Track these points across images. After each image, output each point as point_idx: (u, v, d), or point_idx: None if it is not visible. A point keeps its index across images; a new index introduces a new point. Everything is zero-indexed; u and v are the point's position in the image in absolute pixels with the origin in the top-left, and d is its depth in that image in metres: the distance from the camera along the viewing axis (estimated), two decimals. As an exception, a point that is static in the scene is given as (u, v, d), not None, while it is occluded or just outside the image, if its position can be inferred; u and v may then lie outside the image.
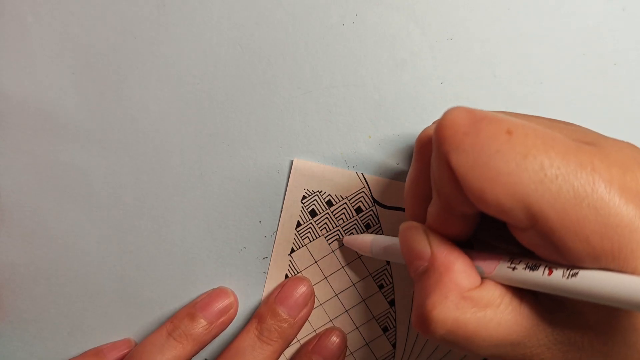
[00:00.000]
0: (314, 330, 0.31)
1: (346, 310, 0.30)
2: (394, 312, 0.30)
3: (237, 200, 0.30)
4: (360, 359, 0.30)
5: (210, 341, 0.30)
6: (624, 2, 0.27)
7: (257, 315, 0.29)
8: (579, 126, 0.21)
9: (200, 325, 0.29)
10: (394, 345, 0.30)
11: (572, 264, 0.17)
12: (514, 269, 0.19)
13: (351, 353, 0.30)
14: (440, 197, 0.19)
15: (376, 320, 0.30)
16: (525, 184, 0.17)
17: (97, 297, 0.31)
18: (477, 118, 0.18)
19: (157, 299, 0.31)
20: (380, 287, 0.30)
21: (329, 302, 0.30)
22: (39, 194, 0.30)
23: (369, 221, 0.29)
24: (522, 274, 0.19)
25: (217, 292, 0.30)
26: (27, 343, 0.32)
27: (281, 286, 0.30)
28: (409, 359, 0.30)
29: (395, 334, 0.30)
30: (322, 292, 0.30)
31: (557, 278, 0.18)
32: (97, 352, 0.31)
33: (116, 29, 0.29)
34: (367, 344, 0.30)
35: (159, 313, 0.31)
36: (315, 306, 0.30)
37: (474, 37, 0.27)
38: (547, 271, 0.18)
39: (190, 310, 0.29)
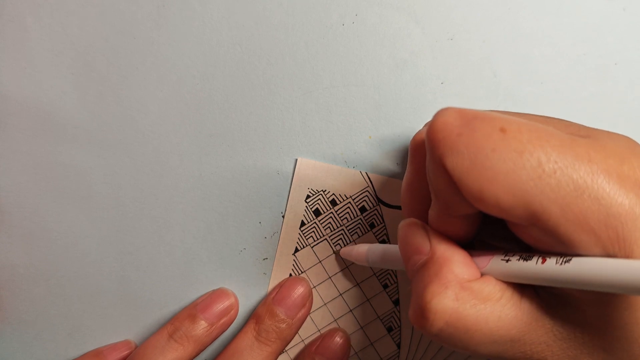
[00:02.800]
0: (318, 330, 0.30)
1: (350, 310, 0.30)
2: (399, 311, 0.30)
3: (237, 201, 0.30)
4: (365, 359, 0.30)
5: (211, 342, 0.30)
6: (624, 2, 0.27)
7: (255, 316, 0.29)
8: (572, 122, 0.21)
9: (201, 326, 0.29)
10: (398, 345, 0.30)
11: (579, 254, 0.17)
12: (507, 261, 0.19)
13: (355, 353, 0.30)
14: (439, 200, 0.19)
15: (381, 320, 0.30)
16: (524, 181, 0.17)
17: (97, 298, 0.31)
18: (469, 117, 0.18)
19: (156, 300, 0.31)
20: (385, 286, 0.30)
21: (333, 302, 0.30)
22: (38, 194, 0.30)
23: (374, 220, 0.29)
24: (516, 265, 0.19)
25: (218, 293, 0.30)
26: (26, 344, 0.32)
27: (279, 287, 0.30)
28: (413, 359, 0.30)
29: (400, 334, 0.30)
30: (326, 292, 0.30)
31: (551, 266, 0.17)
32: (97, 353, 0.31)
33: (116, 29, 0.29)
34: (371, 343, 0.30)
35: (158, 314, 0.31)
36: (319, 306, 0.30)
37: (474, 37, 0.27)
38: (540, 260, 0.18)
39: (191, 311, 0.29)
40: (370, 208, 0.29)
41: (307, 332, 0.31)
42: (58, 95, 0.29)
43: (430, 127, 0.18)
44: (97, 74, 0.29)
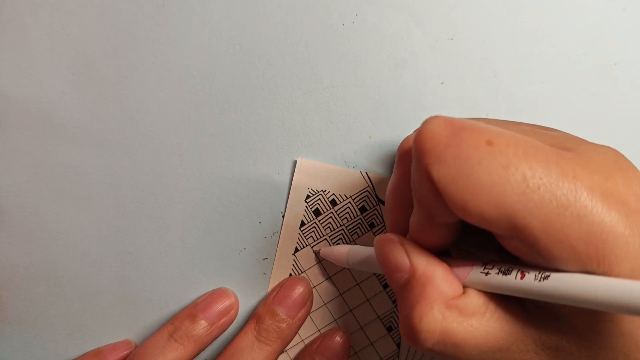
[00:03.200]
0: (318, 330, 0.30)
1: (350, 310, 0.30)
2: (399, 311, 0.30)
3: (236, 201, 0.30)
4: (365, 358, 0.30)
5: (211, 342, 0.30)
6: (624, 2, 0.27)
7: (255, 315, 0.29)
8: (560, 131, 0.21)
9: (201, 326, 0.29)
10: (398, 345, 0.30)
11: (558, 269, 0.17)
12: (487, 274, 0.19)
13: (355, 353, 0.30)
14: (422, 208, 0.19)
15: (380, 320, 0.30)
16: (507, 195, 0.17)
17: (97, 298, 0.31)
18: (457, 128, 0.18)
19: (156, 299, 0.31)
20: (385, 286, 0.30)
21: (333, 302, 0.30)
22: (38, 194, 0.30)
23: (373, 220, 0.29)
24: (495, 279, 0.19)
25: (218, 293, 0.30)
26: (26, 344, 0.32)
27: (279, 286, 0.30)
28: (413, 359, 0.30)
29: (400, 334, 0.30)
30: (326, 292, 0.30)
31: (530, 281, 0.18)
32: (97, 353, 0.31)
33: (116, 29, 0.29)
34: (371, 343, 0.30)
35: (158, 314, 0.31)
36: (319, 306, 0.30)
37: (474, 37, 0.27)
38: (519, 275, 0.18)
39: (191, 311, 0.29)
40: (370, 208, 0.29)
41: (307, 332, 0.31)
42: (58, 95, 0.29)
43: (418, 135, 0.18)
44: (97, 74, 0.29)
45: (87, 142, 0.30)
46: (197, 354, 0.29)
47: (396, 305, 0.30)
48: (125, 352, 0.31)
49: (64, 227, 0.31)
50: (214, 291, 0.30)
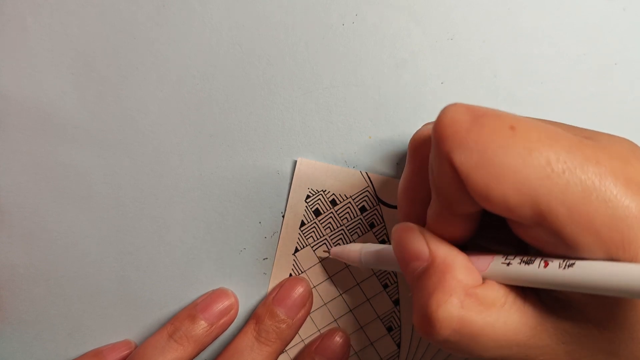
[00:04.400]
0: (318, 330, 0.30)
1: (350, 310, 0.30)
2: (399, 311, 0.30)
3: (236, 201, 0.30)
4: (365, 358, 0.30)
5: (211, 342, 0.30)
6: (624, 2, 0.27)
7: (255, 316, 0.29)
8: (574, 126, 0.21)
9: (201, 326, 0.29)
10: (398, 345, 0.30)
11: (582, 257, 0.17)
12: (508, 264, 0.19)
13: (355, 353, 0.30)
14: (441, 198, 0.19)
15: (381, 320, 0.30)
16: (532, 179, 0.16)
17: (97, 298, 0.31)
18: (478, 114, 0.17)
19: (156, 299, 0.31)
20: (385, 286, 0.30)
21: (333, 302, 0.30)
22: (38, 194, 0.30)
23: (374, 220, 0.29)
24: (517, 268, 0.18)
25: (218, 293, 0.30)
26: (26, 344, 0.32)
27: (279, 287, 0.30)
28: (413, 359, 0.30)
29: (400, 334, 0.30)
30: (326, 292, 0.30)
31: (554, 270, 0.17)
32: (96, 353, 0.31)
33: (116, 29, 0.29)
34: (371, 343, 0.30)
35: (158, 314, 0.31)
36: (319, 306, 0.30)
37: (474, 37, 0.27)
38: (542, 264, 0.18)
39: (191, 311, 0.29)
40: (370, 208, 0.29)
41: (307, 332, 0.31)
42: (58, 95, 0.29)
43: (438, 122, 0.18)
44: (97, 74, 0.29)
45: (87, 142, 0.30)
46: (197, 354, 0.29)
47: (397, 305, 0.30)
48: (125, 352, 0.31)
49: (64, 227, 0.31)
50: (213, 291, 0.30)
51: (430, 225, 0.21)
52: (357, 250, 0.27)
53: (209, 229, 0.30)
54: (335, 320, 0.30)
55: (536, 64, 0.27)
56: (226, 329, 0.30)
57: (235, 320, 0.30)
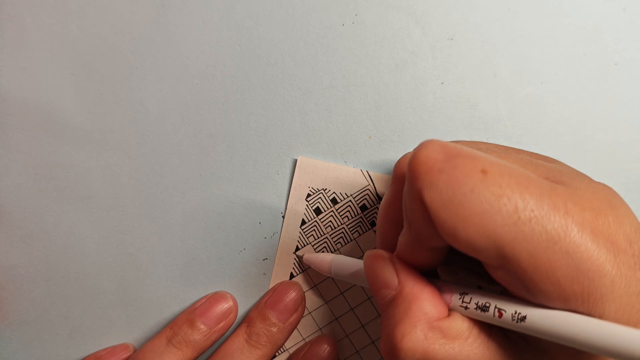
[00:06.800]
0: (320, 329, 0.30)
1: (352, 309, 0.30)
2: None
3: (236, 201, 0.30)
4: (366, 357, 0.30)
5: (210, 346, 0.29)
6: (624, 2, 0.27)
7: (247, 319, 0.30)
8: (559, 162, 0.21)
9: (200, 331, 0.29)
10: None
11: (542, 303, 0.17)
12: (465, 307, 0.19)
13: (357, 351, 0.30)
14: (411, 229, 0.19)
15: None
16: (498, 225, 0.17)
17: (97, 298, 0.31)
18: (452, 154, 0.18)
19: (156, 300, 0.31)
20: None
21: (334, 301, 0.30)
22: (38, 195, 0.30)
23: (374, 219, 0.29)
24: (474, 313, 0.19)
25: (216, 297, 0.30)
26: (26, 345, 0.32)
27: (272, 291, 0.30)
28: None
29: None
30: (327, 291, 0.30)
31: (507, 321, 0.18)
32: (95, 358, 0.31)
33: (115, 30, 0.29)
34: (372, 342, 0.30)
35: (158, 314, 0.31)
36: (320, 304, 0.30)
37: (474, 37, 0.27)
38: (497, 314, 0.18)
39: (190, 316, 0.29)
40: (371, 206, 0.29)
41: (309, 331, 0.31)
42: (58, 95, 0.29)
43: (412, 158, 0.18)
44: (97, 74, 0.29)
45: (87, 142, 0.30)
46: (196, 358, 0.29)
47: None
48: (124, 356, 0.31)
49: (63, 227, 0.31)
50: (212, 295, 0.30)
51: (400, 252, 0.21)
52: (328, 261, 0.27)
53: (209, 229, 0.30)
54: (336, 318, 0.30)
55: (536, 64, 0.27)
56: (225, 332, 0.30)
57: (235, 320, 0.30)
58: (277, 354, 0.31)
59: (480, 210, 0.17)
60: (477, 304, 0.19)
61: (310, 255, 0.29)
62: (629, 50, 0.27)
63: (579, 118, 0.28)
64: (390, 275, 0.21)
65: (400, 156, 0.29)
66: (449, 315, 0.20)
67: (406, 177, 0.19)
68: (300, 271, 0.30)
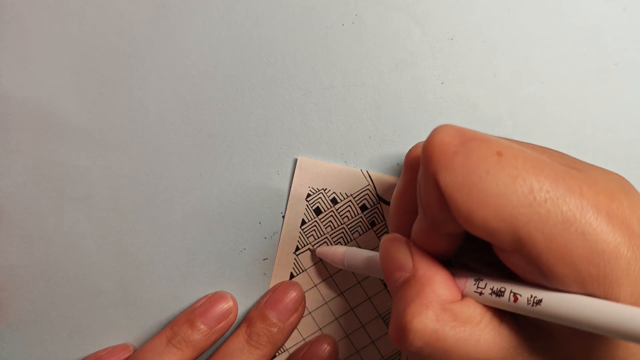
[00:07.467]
0: (320, 329, 0.30)
1: (352, 308, 0.30)
2: None
3: (236, 201, 0.30)
4: (367, 357, 0.30)
5: (210, 346, 0.29)
6: (624, 2, 0.27)
7: (247, 319, 0.30)
8: (567, 155, 0.21)
9: (200, 331, 0.29)
10: None
11: (557, 288, 0.17)
12: (480, 293, 0.19)
13: (357, 351, 0.30)
14: (426, 215, 0.19)
15: (382, 318, 0.30)
16: (513, 206, 0.17)
17: (97, 298, 0.31)
18: (467, 138, 0.18)
19: (156, 300, 0.31)
20: (386, 285, 0.30)
21: (334, 300, 0.30)
22: (38, 194, 0.30)
23: (374, 219, 0.29)
24: (489, 298, 0.19)
25: (216, 297, 0.30)
26: (26, 345, 0.32)
27: (272, 291, 0.30)
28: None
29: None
30: (327, 290, 0.30)
31: (522, 305, 0.18)
32: (95, 358, 0.31)
33: (115, 30, 0.29)
34: (372, 342, 0.30)
35: (158, 314, 0.31)
36: (320, 304, 0.30)
37: (474, 37, 0.27)
38: (512, 298, 0.18)
39: (190, 316, 0.29)
40: (371, 206, 0.29)
41: (309, 331, 0.31)
42: (58, 95, 0.29)
43: (428, 143, 0.18)
44: (97, 74, 0.29)
45: (87, 143, 0.30)
46: (196, 358, 0.29)
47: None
48: (124, 357, 0.31)
49: (63, 227, 0.31)
50: (212, 295, 0.30)
51: (414, 239, 0.21)
52: (341, 253, 0.27)
53: (209, 229, 0.30)
54: (336, 318, 0.30)
55: (536, 64, 0.27)
56: (225, 332, 0.30)
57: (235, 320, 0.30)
58: (277, 354, 0.31)
59: (495, 192, 0.17)
60: (492, 289, 0.19)
61: (322, 247, 0.29)
62: (629, 50, 0.27)
63: (579, 118, 0.28)
64: (405, 258, 0.21)
65: (402, 156, 0.29)
66: (461, 299, 0.19)
67: (421, 162, 0.19)
68: (301, 271, 0.30)
